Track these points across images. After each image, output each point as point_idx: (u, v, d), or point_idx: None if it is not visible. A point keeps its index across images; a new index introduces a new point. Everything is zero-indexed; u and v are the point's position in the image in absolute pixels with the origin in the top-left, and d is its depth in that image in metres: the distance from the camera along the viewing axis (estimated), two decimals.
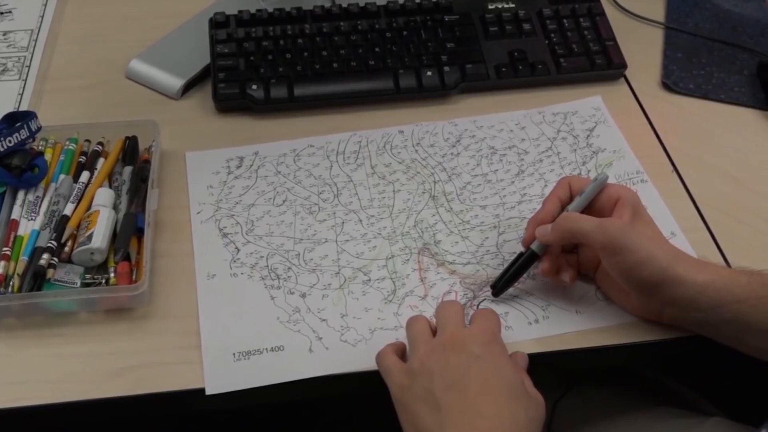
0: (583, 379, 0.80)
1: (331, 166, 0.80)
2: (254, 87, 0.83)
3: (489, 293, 0.69)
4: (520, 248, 0.72)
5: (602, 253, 0.64)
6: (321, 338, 0.66)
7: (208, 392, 0.62)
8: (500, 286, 0.68)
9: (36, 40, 0.91)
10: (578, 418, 0.76)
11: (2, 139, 0.71)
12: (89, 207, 0.71)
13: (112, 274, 0.67)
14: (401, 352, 0.64)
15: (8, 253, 0.67)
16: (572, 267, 0.68)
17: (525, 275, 0.69)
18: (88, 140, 0.77)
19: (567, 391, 0.79)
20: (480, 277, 0.70)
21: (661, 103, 0.87)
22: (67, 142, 0.77)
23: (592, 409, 0.77)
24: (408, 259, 0.72)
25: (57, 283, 0.66)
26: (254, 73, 0.84)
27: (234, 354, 0.65)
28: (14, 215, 0.70)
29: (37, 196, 0.72)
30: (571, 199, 0.68)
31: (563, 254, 0.69)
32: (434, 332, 0.63)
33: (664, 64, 0.91)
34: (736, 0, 1.00)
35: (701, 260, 0.64)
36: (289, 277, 0.70)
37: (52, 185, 0.73)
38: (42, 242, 0.68)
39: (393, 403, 0.60)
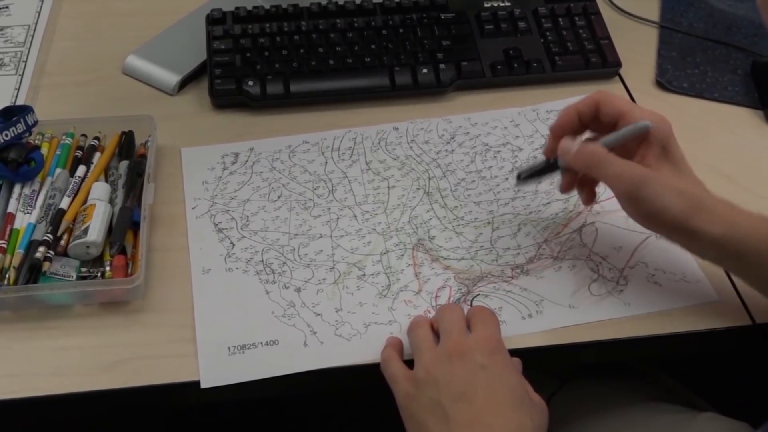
0: (577, 375, 0.80)
1: (326, 163, 0.80)
2: (250, 83, 0.83)
3: (483, 289, 0.70)
4: (514, 244, 0.73)
5: (619, 199, 0.64)
6: (316, 332, 0.66)
7: (203, 386, 0.63)
8: (524, 179, 0.70)
9: (33, 36, 0.91)
10: (572, 413, 0.77)
11: None
12: (85, 201, 0.71)
13: (107, 268, 0.67)
14: (401, 352, 0.64)
15: (4, 245, 0.67)
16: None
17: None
18: (84, 135, 0.78)
19: (561, 386, 0.80)
20: (474, 273, 0.71)
21: (655, 102, 0.87)
22: (64, 137, 0.77)
23: (586, 404, 0.77)
24: (402, 255, 0.72)
25: (53, 276, 0.67)
26: (250, 70, 0.84)
27: (229, 348, 0.65)
28: (10, 208, 0.70)
29: (34, 190, 0.72)
30: (592, 119, 0.66)
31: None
32: (436, 333, 0.63)
33: (658, 63, 0.91)
34: (730, 0, 1.00)
35: (724, 206, 0.62)
36: (284, 271, 0.70)
37: (49, 179, 0.73)
38: (38, 235, 0.68)
39: (399, 410, 0.60)
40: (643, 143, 0.64)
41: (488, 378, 0.58)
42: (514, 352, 0.64)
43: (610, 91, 0.67)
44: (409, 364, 0.62)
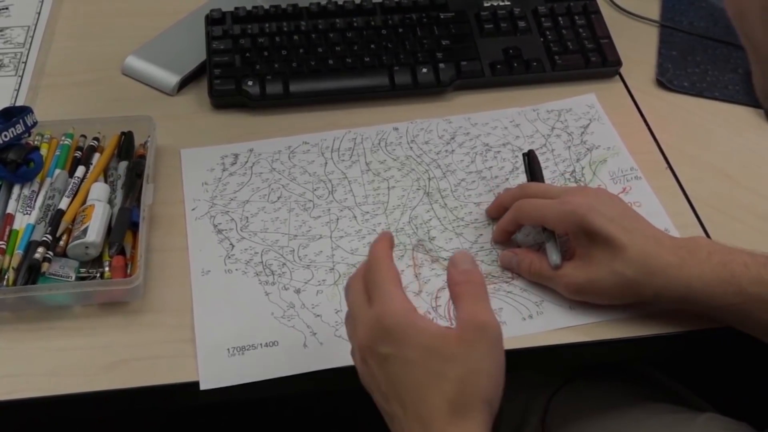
0: (577, 375, 0.80)
1: (326, 163, 0.80)
2: (250, 83, 0.83)
3: None
4: (515, 244, 0.73)
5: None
6: (315, 333, 0.66)
7: (202, 387, 0.62)
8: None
9: (32, 37, 0.91)
10: (572, 413, 0.76)
11: None
12: (84, 201, 0.71)
13: (106, 268, 0.67)
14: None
15: (3, 246, 0.67)
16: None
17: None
18: (84, 135, 0.78)
19: (561, 386, 0.79)
20: None
21: (656, 101, 0.87)
22: (63, 138, 0.77)
23: (586, 404, 0.77)
24: (402, 256, 0.72)
25: (52, 276, 0.67)
26: (250, 70, 0.84)
27: (228, 349, 0.65)
28: (9, 209, 0.70)
29: (33, 191, 0.72)
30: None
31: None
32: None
33: (659, 62, 0.91)
34: None
35: (673, 265, 0.62)
36: (283, 273, 0.70)
37: (48, 180, 0.73)
38: (37, 236, 0.68)
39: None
40: (571, 238, 0.67)
41: (392, 371, 0.52)
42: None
43: (527, 195, 0.71)
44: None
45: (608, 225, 0.63)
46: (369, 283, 0.55)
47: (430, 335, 0.52)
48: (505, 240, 0.73)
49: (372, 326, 0.53)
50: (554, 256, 0.67)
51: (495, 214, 0.74)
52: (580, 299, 0.67)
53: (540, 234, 0.71)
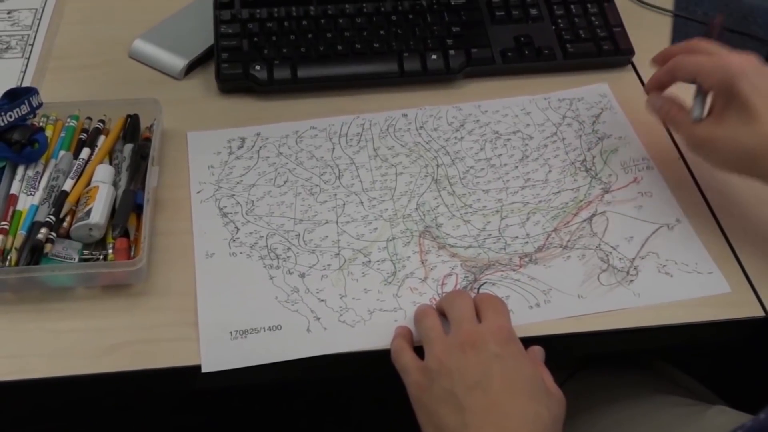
0: (585, 366, 0.79)
1: (333, 148, 0.79)
2: (257, 68, 0.82)
3: (490, 277, 0.68)
4: (523, 233, 0.72)
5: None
6: (319, 318, 0.65)
7: (204, 370, 0.62)
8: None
9: (40, 19, 0.91)
10: (580, 404, 0.75)
11: (3, 114, 0.70)
12: (89, 183, 0.70)
13: (110, 250, 0.67)
14: (411, 342, 0.63)
15: (6, 227, 0.67)
16: None
17: None
18: (89, 118, 0.77)
19: (569, 376, 0.79)
20: (481, 261, 0.70)
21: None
22: (69, 119, 0.76)
23: (594, 395, 0.76)
24: (409, 242, 0.71)
25: (55, 258, 0.66)
26: (258, 54, 0.84)
27: (231, 332, 0.64)
28: (13, 190, 0.70)
29: (37, 172, 0.71)
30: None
31: None
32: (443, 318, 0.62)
33: None
34: None
35: None
36: (288, 257, 0.70)
37: (52, 161, 0.72)
38: (40, 217, 0.67)
39: (411, 401, 0.59)
40: (714, 93, 0.68)
41: (503, 367, 0.57)
42: (521, 342, 0.62)
43: (689, 49, 0.72)
44: (419, 351, 0.61)
45: (753, 92, 0.63)
46: (483, 303, 0.62)
47: (535, 369, 0.60)
48: (655, 91, 0.74)
49: (490, 330, 0.60)
50: (697, 110, 0.68)
51: (660, 61, 0.74)
52: (697, 155, 0.69)
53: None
